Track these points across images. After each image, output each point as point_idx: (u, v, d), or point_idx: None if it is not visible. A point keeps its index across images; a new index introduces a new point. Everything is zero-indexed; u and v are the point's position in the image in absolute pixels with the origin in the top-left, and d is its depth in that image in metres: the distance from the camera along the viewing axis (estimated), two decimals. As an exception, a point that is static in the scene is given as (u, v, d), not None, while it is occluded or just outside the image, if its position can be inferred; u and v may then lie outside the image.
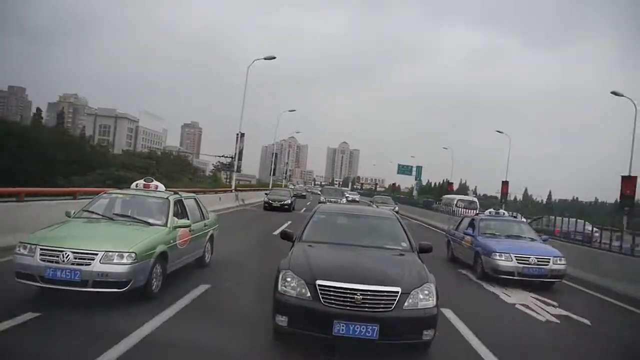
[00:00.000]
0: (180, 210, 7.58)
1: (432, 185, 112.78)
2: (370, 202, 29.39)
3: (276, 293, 4.63)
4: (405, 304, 4.47)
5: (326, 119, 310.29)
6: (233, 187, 32.02)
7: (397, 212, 25.85)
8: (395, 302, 4.44)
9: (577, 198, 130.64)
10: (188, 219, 7.54)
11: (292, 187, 74.04)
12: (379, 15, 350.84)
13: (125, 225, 6.65)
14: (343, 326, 4.29)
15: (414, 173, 68.43)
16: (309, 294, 4.47)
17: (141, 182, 7.71)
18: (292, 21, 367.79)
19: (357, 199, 50.14)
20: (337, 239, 5.76)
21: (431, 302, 4.59)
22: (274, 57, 31.21)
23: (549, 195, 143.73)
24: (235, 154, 35.45)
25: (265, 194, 28.55)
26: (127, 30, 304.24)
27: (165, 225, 6.82)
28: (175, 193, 7.69)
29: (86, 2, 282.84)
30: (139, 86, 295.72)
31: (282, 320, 4.51)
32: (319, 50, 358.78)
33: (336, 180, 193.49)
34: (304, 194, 52.96)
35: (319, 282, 4.48)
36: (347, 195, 45.96)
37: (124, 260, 5.72)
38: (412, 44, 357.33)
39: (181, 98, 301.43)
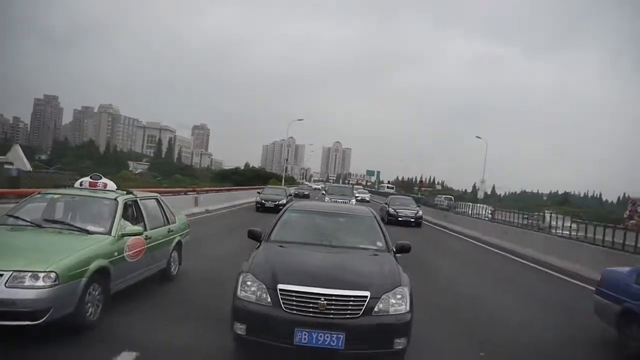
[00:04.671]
0: (135, 214, 5.93)
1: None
2: (386, 204, 22.82)
3: (235, 299, 4.07)
4: (375, 309, 3.93)
5: (322, 118, 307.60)
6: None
7: (420, 218, 21.45)
8: (364, 307, 3.89)
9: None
10: (145, 224, 5.87)
11: (310, 185, 79.42)
12: (384, 25, 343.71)
13: (54, 234, 5.00)
14: (305, 334, 3.75)
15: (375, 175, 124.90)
16: (269, 299, 3.93)
17: (87, 179, 6.01)
18: (299, 27, 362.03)
19: (367, 199, 43.94)
20: (307, 239, 5.10)
21: (403, 307, 4.03)
22: (302, 119, 43.80)
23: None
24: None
25: (258, 192, 24.57)
26: (138, 36, 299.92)
27: (109, 233, 5.16)
28: (129, 192, 6.00)
29: (99, 10, 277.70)
30: (150, 89, 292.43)
31: (240, 328, 3.94)
32: (321, 55, 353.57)
33: (331, 177, 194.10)
34: (306, 192, 43.92)
35: (280, 286, 3.94)
36: (357, 195, 37.06)
37: (40, 283, 4.12)
38: (412, 52, 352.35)
39: (187, 99, 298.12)
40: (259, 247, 4.90)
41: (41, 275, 4.12)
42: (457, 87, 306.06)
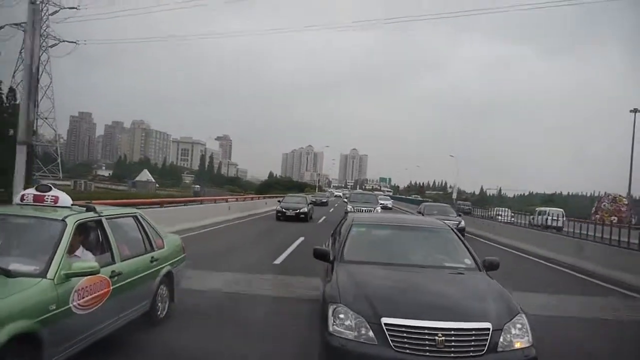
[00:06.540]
0: (101, 240, 4.04)
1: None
2: (419, 212, 19.37)
3: (327, 335, 3.31)
4: (499, 344, 3.19)
5: (339, 124, 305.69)
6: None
7: (463, 230, 16.88)
8: (487, 342, 3.16)
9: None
10: (112, 254, 3.99)
11: (332, 192, 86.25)
12: (402, 31, 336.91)
13: (-48, 279, 3.09)
14: None
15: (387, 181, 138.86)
16: (372, 336, 3.20)
17: (31, 191, 4.12)
18: (319, 37, 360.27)
19: (389, 206, 39.61)
20: (384, 258, 4.40)
21: (527, 339, 3.29)
22: (328, 146, 50.29)
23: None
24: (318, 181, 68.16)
25: (278, 201, 22.98)
26: (158, 51, 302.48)
27: (44, 274, 3.26)
28: (90, 209, 4.09)
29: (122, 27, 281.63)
30: (163, 101, 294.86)
31: None
32: (338, 63, 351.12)
33: (349, 183, 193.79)
34: (324, 200, 42.01)
35: (385, 319, 3.23)
36: (381, 201, 31.49)
37: None
38: (426, 59, 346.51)
39: (205, 110, 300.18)
40: (333, 269, 4.18)
41: None
42: (472, 90, 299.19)
